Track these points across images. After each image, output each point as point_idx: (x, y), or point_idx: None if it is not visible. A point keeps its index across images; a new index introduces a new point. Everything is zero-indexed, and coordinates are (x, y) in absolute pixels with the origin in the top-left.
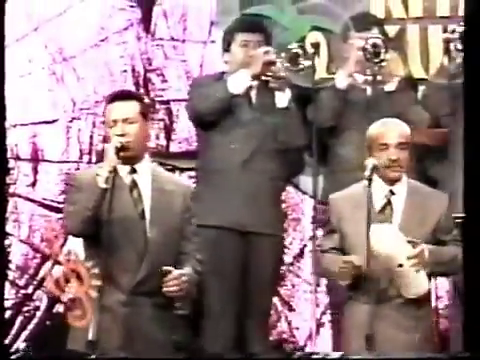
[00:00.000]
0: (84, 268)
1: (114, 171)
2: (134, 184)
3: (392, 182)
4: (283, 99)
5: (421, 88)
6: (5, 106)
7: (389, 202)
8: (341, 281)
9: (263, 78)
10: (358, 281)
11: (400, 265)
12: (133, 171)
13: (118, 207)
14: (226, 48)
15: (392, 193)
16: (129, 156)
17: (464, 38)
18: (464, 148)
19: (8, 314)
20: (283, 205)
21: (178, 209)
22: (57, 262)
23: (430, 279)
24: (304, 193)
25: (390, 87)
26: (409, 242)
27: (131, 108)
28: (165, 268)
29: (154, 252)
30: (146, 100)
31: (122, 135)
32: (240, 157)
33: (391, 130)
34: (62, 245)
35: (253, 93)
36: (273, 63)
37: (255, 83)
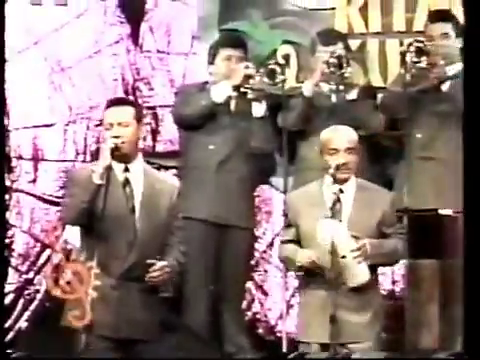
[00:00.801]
0: (85, 268)
1: (108, 169)
2: (127, 181)
3: (341, 182)
4: (259, 109)
5: (379, 95)
6: (4, 111)
7: (338, 199)
8: (299, 271)
9: (242, 89)
10: (313, 271)
11: (343, 256)
12: (126, 170)
13: (112, 202)
14: (211, 61)
15: (341, 191)
16: (123, 156)
17: (464, 39)
18: (464, 148)
19: (11, 296)
20: (256, 200)
21: (165, 205)
22: (55, 251)
23: (373, 270)
24: (276, 189)
25: (352, 95)
26: (353, 237)
27: (126, 113)
28: (149, 261)
29: (142, 243)
30: (140, 106)
31: (117, 137)
32: (217, 158)
33: (340, 136)
34: (59, 235)
35: (233, 102)
36: (252, 76)
37: (235, 94)
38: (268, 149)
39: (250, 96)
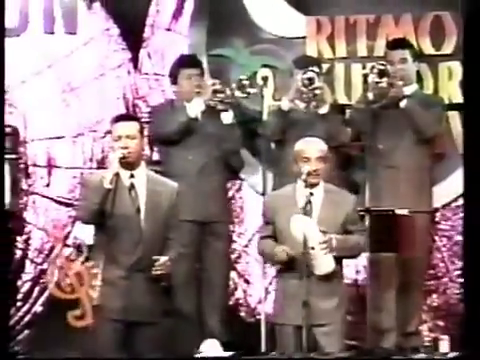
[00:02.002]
0: (85, 269)
1: (116, 175)
2: (132, 186)
3: (312, 186)
4: (228, 117)
5: (347, 111)
6: (4, 113)
7: (309, 201)
8: (275, 263)
9: (211, 103)
10: (286, 262)
11: (312, 248)
12: (132, 176)
13: (119, 204)
14: (174, 81)
15: (311, 194)
16: (129, 164)
17: (464, 40)
18: (464, 149)
19: (28, 285)
20: (239, 201)
21: (166, 205)
22: (65, 245)
23: (339, 261)
24: (255, 192)
25: (323, 110)
26: (321, 231)
27: (132, 127)
28: (154, 257)
29: (146, 239)
30: (142, 122)
31: (125, 148)
32: (196, 166)
33: (312, 147)
34: (69, 232)
35: (200, 114)
36: (220, 91)
37: (204, 107)
38: (237, 149)
39: (219, 107)
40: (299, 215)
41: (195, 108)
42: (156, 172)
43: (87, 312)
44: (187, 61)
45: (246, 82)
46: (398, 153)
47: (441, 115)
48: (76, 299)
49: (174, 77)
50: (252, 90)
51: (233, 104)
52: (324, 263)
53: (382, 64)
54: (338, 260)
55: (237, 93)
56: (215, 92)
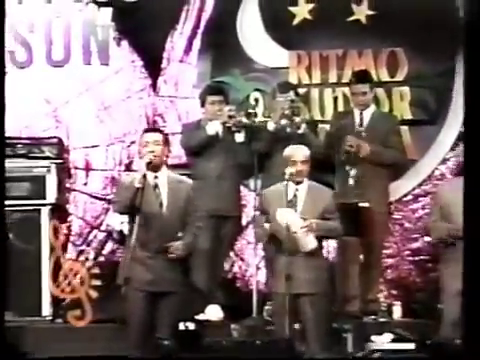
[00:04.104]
0: (84, 268)
1: (144, 177)
2: (156, 185)
3: (298, 183)
4: (240, 137)
5: (320, 126)
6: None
7: (295, 196)
8: (261, 238)
9: (227, 125)
10: (279, 243)
11: (295, 232)
12: (156, 177)
13: (146, 200)
14: (202, 105)
15: (297, 190)
16: (154, 167)
17: (464, 39)
18: (464, 148)
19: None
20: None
21: (184, 198)
22: (99, 231)
23: (320, 241)
24: (249, 189)
25: (301, 131)
26: (302, 218)
27: (157, 136)
28: (167, 244)
29: (167, 227)
30: (165, 133)
31: (152, 152)
32: (216, 171)
33: (297, 152)
34: (102, 220)
35: (220, 134)
36: (234, 116)
37: (222, 128)
38: (247, 162)
39: (233, 129)
40: (283, 208)
41: (213, 128)
42: (185, 174)
43: (87, 312)
44: (212, 89)
45: (252, 111)
46: (360, 168)
47: (400, 145)
48: (76, 299)
49: (202, 101)
50: (256, 119)
51: (244, 127)
52: (307, 242)
53: (349, 138)
54: (319, 241)
55: (244, 120)
56: (230, 117)
